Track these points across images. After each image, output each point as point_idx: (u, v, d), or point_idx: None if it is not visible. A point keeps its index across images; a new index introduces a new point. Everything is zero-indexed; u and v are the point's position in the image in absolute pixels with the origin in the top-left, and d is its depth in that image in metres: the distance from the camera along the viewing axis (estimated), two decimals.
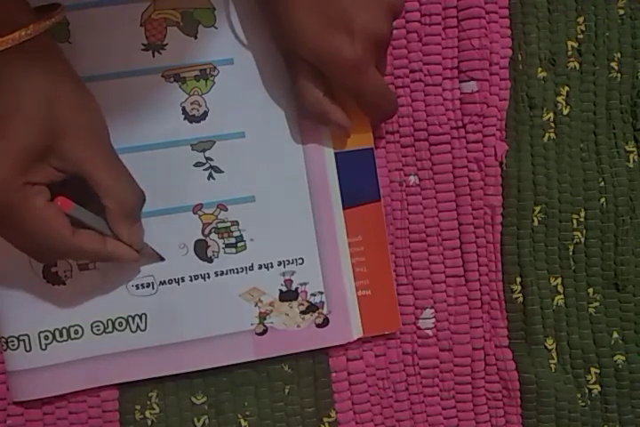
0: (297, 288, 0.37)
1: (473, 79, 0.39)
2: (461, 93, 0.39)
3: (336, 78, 0.33)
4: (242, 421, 0.37)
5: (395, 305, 0.38)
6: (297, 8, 0.31)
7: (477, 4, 0.39)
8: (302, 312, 0.37)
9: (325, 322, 0.37)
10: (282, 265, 0.37)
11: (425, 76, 0.39)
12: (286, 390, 0.38)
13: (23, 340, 0.35)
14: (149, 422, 0.37)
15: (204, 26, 0.36)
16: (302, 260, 0.37)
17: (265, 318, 0.37)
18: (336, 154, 0.37)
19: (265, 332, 0.37)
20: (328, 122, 0.35)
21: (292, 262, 0.37)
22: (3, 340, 0.35)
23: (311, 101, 0.34)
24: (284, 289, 0.37)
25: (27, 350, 0.35)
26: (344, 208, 0.37)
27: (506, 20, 0.39)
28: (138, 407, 0.37)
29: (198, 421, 0.37)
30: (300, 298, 0.37)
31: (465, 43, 0.39)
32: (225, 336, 0.36)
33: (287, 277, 0.37)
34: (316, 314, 0.37)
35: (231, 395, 0.37)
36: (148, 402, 0.37)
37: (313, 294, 0.37)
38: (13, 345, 0.35)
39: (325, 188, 0.37)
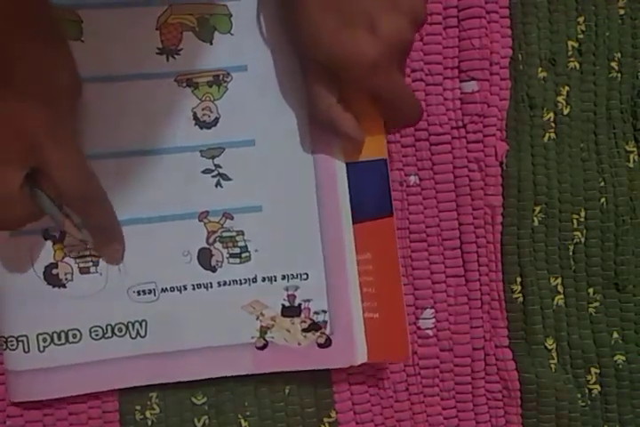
0: (300, 304, 0.36)
1: (473, 79, 0.39)
2: (462, 93, 0.39)
3: (355, 80, 0.32)
4: (242, 421, 0.37)
5: (404, 332, 0.36)
6: (313, 7, 0.31)
7: (478, 3, 0.39)
8: (304, 330, 0.36)
9: (328, 343, 0.36)
10: (285, 279, 0.36)
11: (425, 75, 0.39)
12: (286, 391, 0.38)
13: (22, 341, 0.35)
14: (149, 423, 0.37)
15: (219, 32, 0.36)
16: (307, 275, 0.36)
17: (266, 333, 0.36)
18: (347, 165, 0.36)
19: (265, 346, 0.36)
20: (338, 131, 0.34)
21: (297, 277, 0.36)
22: (2, 339, 0.35)
23: (322, 108, 0.33)
24: (287, 304, 0.36)
25: (25, 351, 0.35)
26: (354, 222, 0.36)
27: (506, 20, 0.39)
28: (138, 408, 0.37)
29: (198, 421, 0.37)
30: (302, 315, 0.36)
31: (465, 42, 0.39)
32: (225, 348, 0.36)
33: (290, 292, 0.36)
34: (318, 333, 0.36)
35: (231, 395, 0.37)
36: (149, 402, 0.37)
37: (316, 313, 0.36)
38: (12, 345, 0.35)
39: (335, 200, 0.36)
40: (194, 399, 0.37)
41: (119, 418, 0.36)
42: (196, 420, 0.37)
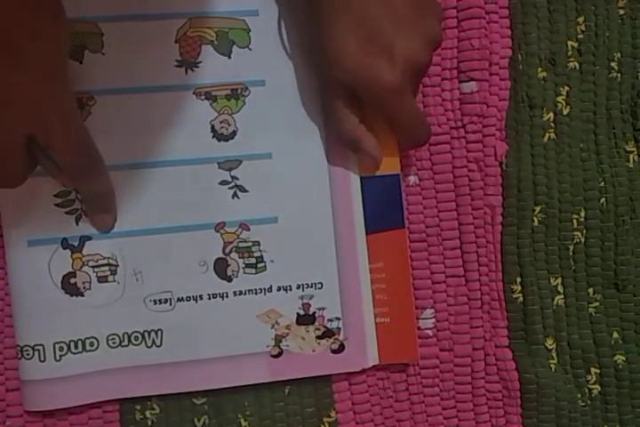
0: (314, 313, 0.37)
1: (473, 79, 0.39)
2: (461, 94, 0.39)
3: (373, 102, 0.33)
4: (242, 421, 0.37)
5: (413, 335, 0.37)
6: (339, 32, 0.32)
7: (477, 4, 0.39)
8: (318, 337, 0.37)
9: (341, 348, 0.37)
10: (301, 288, 0.37)
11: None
12: (286, 390, 0.38)
13: (38, 350, 0.35)
14: (150, 423, 0.37)
15: (238, 46, 0.36)
16: (321, 284, 0.37)
17: (281, 341, 0.36)
18: (362, 179, 0.37)
19: (280, 354, 0.36)
20: (359, 149, 0.35)
21: (311, 286, 0.37)
22: (18, 348, 0.35)
23: (347, 127, 0.34)
24: (302, 313, 0.37)
25: (41, 361, 0.35)
26: (367, 233, 0.37)
27: (506, 20, 0.39)
28: (138, 408, 0.37)
29: (198, 421, 0.37)
30: (316, 323, 0.37)
31: (465, 43, 0.39)
32: (240, 357, 0.36)
33: (305, 301, 0.37)
34: (331, 340, 0.37)
35: (231, 395, 0.37)
36: (149, 402, 0.37)
37: (330, 320, 0.37)
38: (28, 354, 0.35)
39: (349, 212, 0.37)
40: (194, 399, 0.37)
41: (119, 418, 0.36)
42: (195, 420, 0.37)
